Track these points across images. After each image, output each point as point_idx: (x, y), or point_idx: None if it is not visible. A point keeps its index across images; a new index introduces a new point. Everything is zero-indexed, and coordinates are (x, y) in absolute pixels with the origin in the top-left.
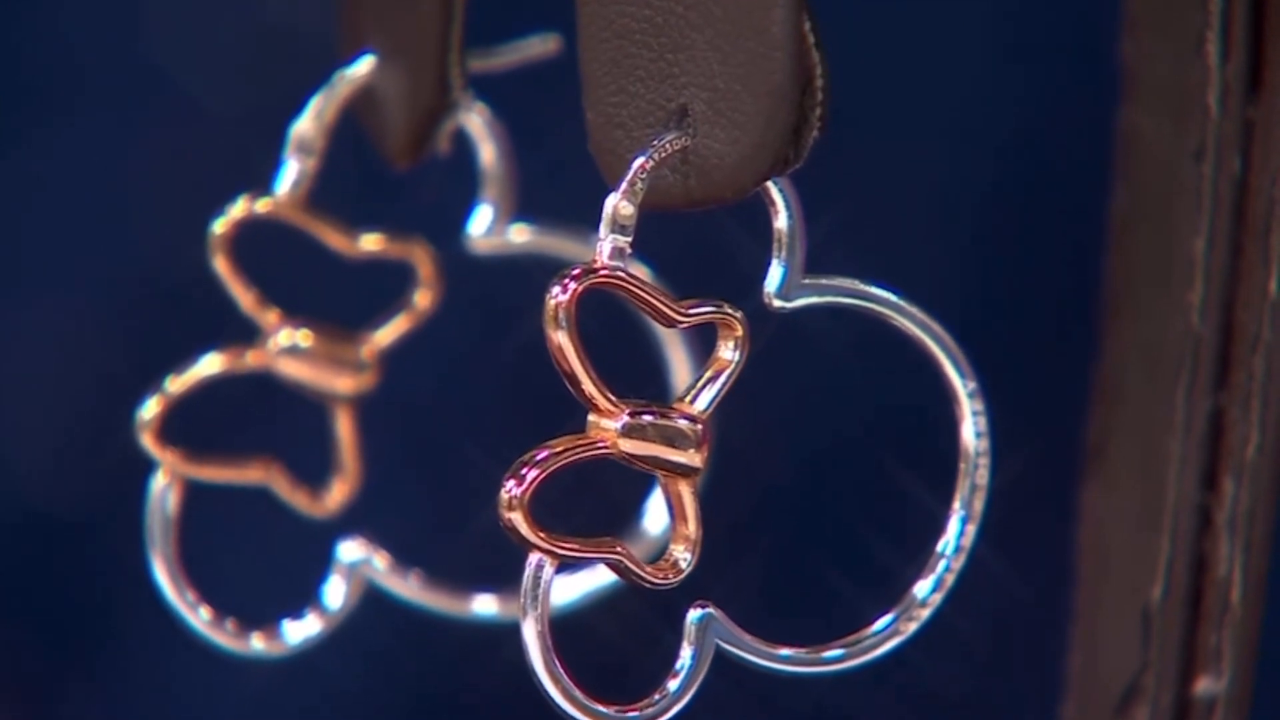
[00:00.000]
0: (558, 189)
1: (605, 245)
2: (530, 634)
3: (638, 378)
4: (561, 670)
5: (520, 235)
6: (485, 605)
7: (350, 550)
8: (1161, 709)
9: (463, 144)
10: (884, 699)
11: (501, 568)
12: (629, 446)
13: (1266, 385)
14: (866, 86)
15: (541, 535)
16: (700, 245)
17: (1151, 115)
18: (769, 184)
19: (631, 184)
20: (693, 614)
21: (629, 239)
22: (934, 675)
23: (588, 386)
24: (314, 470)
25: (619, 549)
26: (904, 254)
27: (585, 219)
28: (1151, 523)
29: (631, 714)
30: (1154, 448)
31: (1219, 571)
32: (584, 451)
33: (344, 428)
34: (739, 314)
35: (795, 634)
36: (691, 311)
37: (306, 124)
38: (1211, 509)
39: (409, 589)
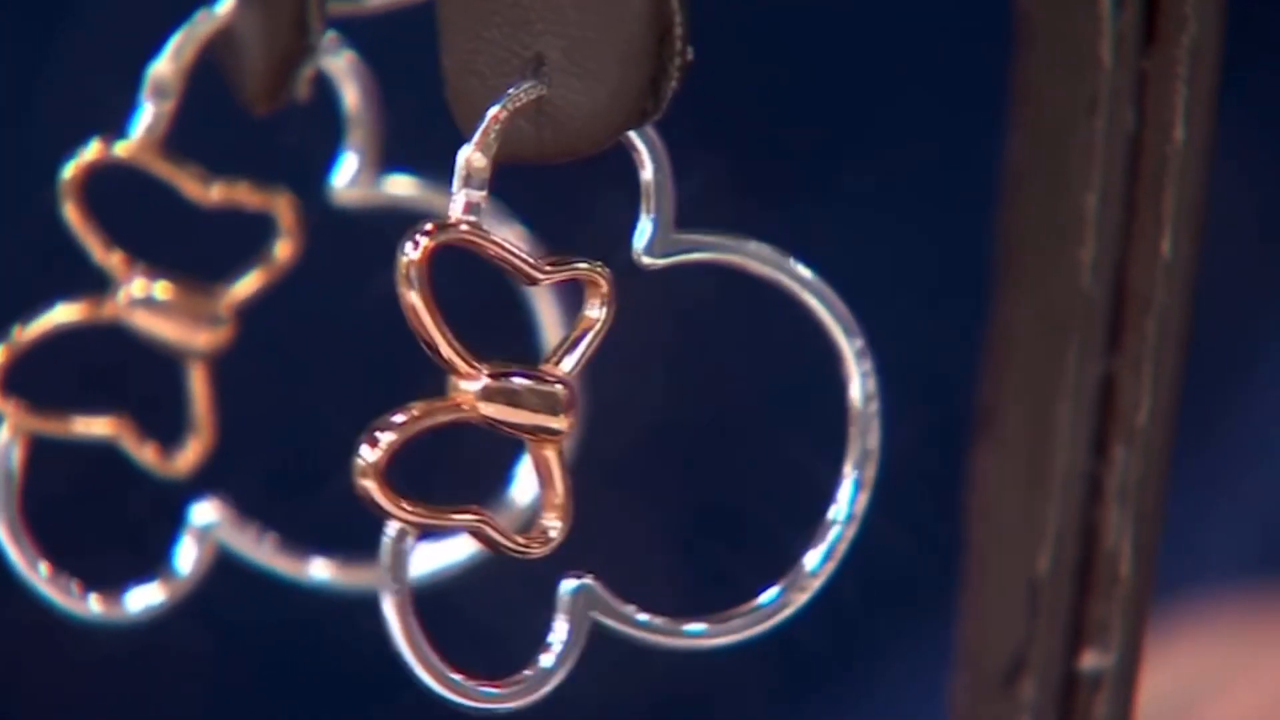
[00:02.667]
0: (428, 139)
1: (458, 199)
2: (391, 607)
3: (510, 337)
4: (425, 643)
5: (387, 186)
6: (346, 573)
7: (203, 513)
8: (1048, 683)
9: (328, 91)
10: (769, 668)
11: (363, 533)
12: (490, 410)
13: (1159, 349)
14: (752, 37)
15: (398, 504)
16: (573, 201)
17: (1046, 65)
18: (633, 136)
19: (485, 135)
20: (566, 584)
21: (484, 193)
22: (821, 645)
23: (443, 348)
24: (167, 429)
25: (482, 516)
26: (788, 209)
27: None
28: (1041, 490)
29: (498, 690)
30: (1044, 412)
31: (1108, 542)
32: (442, 415)
33: (199, 384)
34: (603, 270)
35: (680, 606)
36: (551, 268)
37: (164, 65)
38: (1102, 477)
39: (264, 554)
